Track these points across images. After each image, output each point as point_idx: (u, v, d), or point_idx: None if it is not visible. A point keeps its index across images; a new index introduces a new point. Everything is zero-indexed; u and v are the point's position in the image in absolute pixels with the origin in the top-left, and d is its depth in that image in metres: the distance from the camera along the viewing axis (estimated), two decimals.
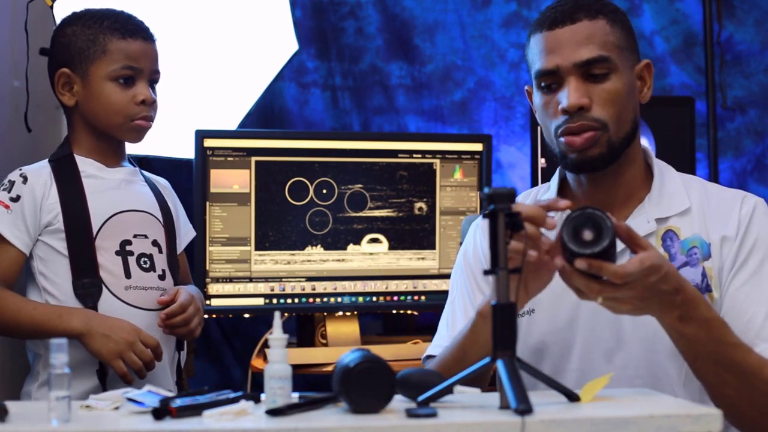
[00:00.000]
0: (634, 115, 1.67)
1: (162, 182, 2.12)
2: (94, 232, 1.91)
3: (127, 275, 1.92)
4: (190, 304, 1.93)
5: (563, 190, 1.75)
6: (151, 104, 1.96)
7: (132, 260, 1.93)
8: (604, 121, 1.62)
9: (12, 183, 1.91)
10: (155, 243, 1.98)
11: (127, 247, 1.93)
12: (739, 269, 1.62)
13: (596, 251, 1.36)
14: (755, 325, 1.58)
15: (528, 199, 1.81)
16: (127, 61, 1.94)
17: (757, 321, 1.58)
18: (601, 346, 1.64)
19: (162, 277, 1.96)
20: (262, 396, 1.31)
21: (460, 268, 1.82)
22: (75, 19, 1.98)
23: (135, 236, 1.95)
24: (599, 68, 1.62)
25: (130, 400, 1.30)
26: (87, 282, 1.88)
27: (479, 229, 1.80)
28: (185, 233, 2.14)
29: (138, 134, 1.98)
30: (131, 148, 2.06)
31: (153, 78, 1.99)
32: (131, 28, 1.96)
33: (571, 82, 1.62)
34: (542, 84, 1.66)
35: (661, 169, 1.73)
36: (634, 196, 1.69)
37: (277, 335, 1.30)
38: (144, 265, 1.94)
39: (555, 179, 1.77)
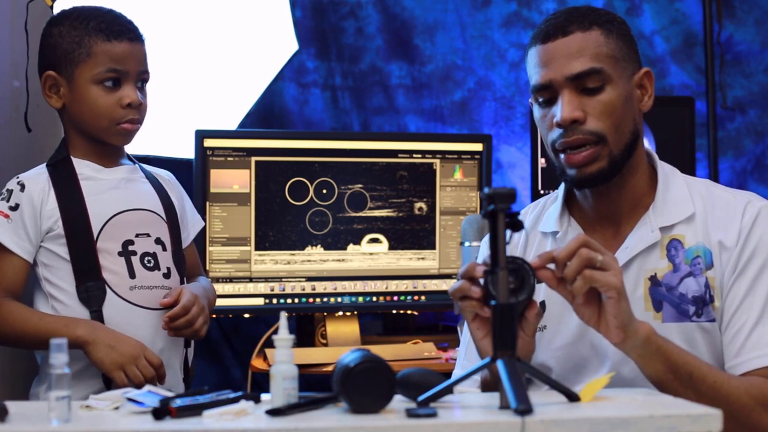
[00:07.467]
0: (633, 125, 1.65)
1: (165, 175, 2.09)
2: (95, 235, 1.89)
3: (131, 275, 1.90)
4: (194, 305, 1.89)
5: (570, 200, 1.74)
6: (137, 107, 1.92)
7: (135, 260, 1.91)
8: (601, 134, 1.60)
9: (10, 192, 1.89)
10: (158, 241, 1.96)
11: (130, 247, 1.91)
12: (738, 276, 1.61)
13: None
14: (743, 334, 1.58)
15: (536, 210, 1.79)
16: (112, 64, 1.89)
17: (744, 330, 1.58)
18: (609, 359, 1.63)
19: (167, 276, 1.94)
20: (263, 396, 1.31)
21: None
22: (62, 18, 1.94)
23: (137, 235, 1.93)
24: (592, 81, 1.61)
25: (130, 400, 1.30)
26: (90, 285, 1.86)
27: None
28: (193, 224, 2.11)
29: (124, 138, 1.95)
30: (130, 149, 2.04)
31: (141, 79, 1.94)
32: (117, 29, 1.91)
33: (565, 96, 1.60)
34: (539, 99, 1.65)
35: (666, 173, 1.70)
36: (640, 204, 1.67)
37: (283, 336, 1.30)
38: (148, 264, 1.92)
39: (561, 189, 1.75)
